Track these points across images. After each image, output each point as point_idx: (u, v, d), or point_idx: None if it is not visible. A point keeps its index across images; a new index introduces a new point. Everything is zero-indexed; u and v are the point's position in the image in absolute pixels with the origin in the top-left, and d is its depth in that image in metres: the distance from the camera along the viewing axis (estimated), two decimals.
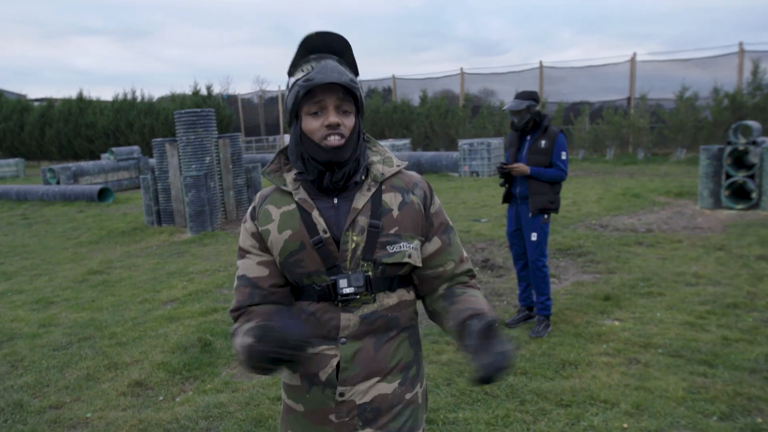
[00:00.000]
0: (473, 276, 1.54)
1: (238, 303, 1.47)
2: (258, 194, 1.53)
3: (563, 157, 4.28)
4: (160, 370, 3.91)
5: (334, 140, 1.34)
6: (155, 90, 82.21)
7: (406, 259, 1.39)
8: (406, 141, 19.38)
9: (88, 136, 27.02)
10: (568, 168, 4.36)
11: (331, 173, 1.37)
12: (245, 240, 1.49)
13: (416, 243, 1.42)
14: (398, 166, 1.48)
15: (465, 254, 1.54)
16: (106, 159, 17.67)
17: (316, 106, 1.34)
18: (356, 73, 1.42)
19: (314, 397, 1.41)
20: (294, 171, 1.45)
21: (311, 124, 1.35)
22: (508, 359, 1.22)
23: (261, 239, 1.45)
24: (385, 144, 18.85)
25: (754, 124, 9.07)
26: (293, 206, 1.42)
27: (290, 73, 1.40)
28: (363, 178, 1.44)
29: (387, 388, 1.41)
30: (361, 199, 1.39)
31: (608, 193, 11.03)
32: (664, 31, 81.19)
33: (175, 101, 27.88)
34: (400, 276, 1.43)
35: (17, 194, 14.32)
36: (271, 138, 28.22)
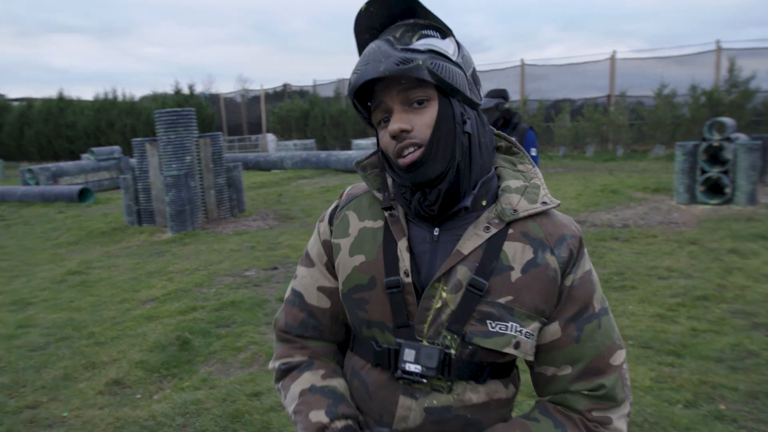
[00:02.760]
0: (605, 401, 0.97)
1: (287, 326, 1.15)
2: (346, 190, 1.15)
3: (533, 153, 4.35)
4: (138, 368, 3.93)
5: (407, 157, 0.95)
6: (136, 89, 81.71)
7: (508, 349, 0.96)
8: None
9: (68, 136, 26.72)
10: (539, 163, 4.44)
11: (422, 194, 0.97)
12: (314, 245, 1.14)
13: (533, 327, 0.97)
14: (544, 203, 0.99)
15: (610, 363, 0.98)
16: (86, 159, 17.51)
17: (382, 112, 0.97)
18: (443, 32, 0.96)
19: None
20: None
21: (383, 138, 0.99)
22: None
23: (330, 253, 1.10)
24: (367, 142, 18.93)
25: (728, 120, 9.25)
26: (380, 223, 1.04)
27: None
28: (484, 204, 1.00)
29: None
30: (471, 241, 0.97)
31: (587, 190, 11.18)
32: (644, 28, 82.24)
33: (157, 101, 27.69)
34: (497, 365, 1.00)
35: None
36: (253, 137, 28.12)
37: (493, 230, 0.98)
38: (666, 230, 7.47)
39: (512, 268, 0.96)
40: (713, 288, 4.99)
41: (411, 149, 0.94)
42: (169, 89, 29.54)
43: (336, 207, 1.13)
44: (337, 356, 1.16)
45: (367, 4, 0.95)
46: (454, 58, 0.94)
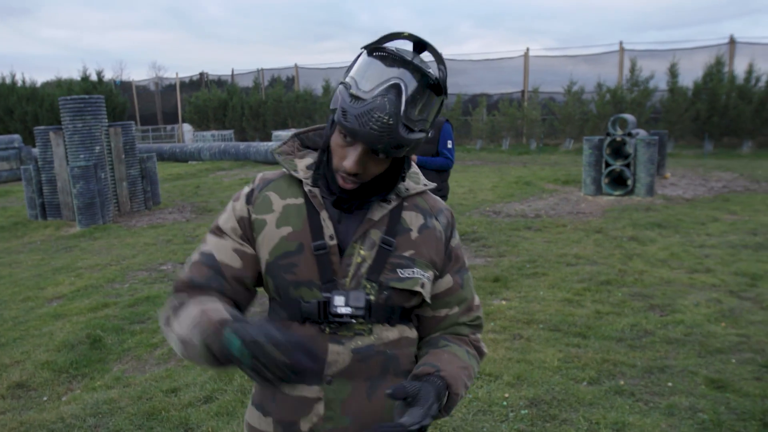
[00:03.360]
0: (478, 327, 1.32)
1: (190, 279, 1.21)
2: (259, 176, 1.28)
3: (449, 145, 4.45)
4: (44, 369, 3.73)
5: (347, 184, 1.14)
6: (38, 74, 76.10)
7: (417, 288, 1.17)
8: None
9: None
10: (454, 156, 4.54)
11: (340, 199, 1.19)
12: (227, 221, 1.23)
13: (430, 274, 1.21)
14: (425, 185, 1.28)
15: (477, 301, 1.32)
16: None
17: (349, 136, 1.09)
18: (440, 91, 1.10)
19: None
20: (309, 158, 1.25)
21: (336, 151, 1.13)
22: None
23: (249, 228, 1.21)
24: (287, 133, 18.69)
25: (629, 117, 9.89)
26: (300, 200, 1.20)
27: (367, 50, 1.11)
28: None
29: None
30: (378, 211, 1.19)
31: (502, 182, 11.61)
32: (556, 27, 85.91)
33: (62, 87, 25.98)
34: (403, 309, 1.21)
35: None
36: (168, 127, 27.07)
37: (394, 203, 1.21)
38: (574, 220, 7.90)
39: (411, 230, 1.21)
40: (615, 273, 5.34)
41: (350, 182, 1.14)
42: (76, 75, 27.91)
43: (252, 189, 1.25)
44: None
45: (407, 36, 1.10)
46: (429, 127, 1.13)
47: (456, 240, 1.29)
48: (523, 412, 3.01)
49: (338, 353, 1.14)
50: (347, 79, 1.09)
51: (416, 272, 1.18)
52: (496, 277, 5.33)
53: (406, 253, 1.18)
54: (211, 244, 1.24)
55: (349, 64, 1.14)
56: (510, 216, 8.33)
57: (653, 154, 9.35)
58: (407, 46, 1.13)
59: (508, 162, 16.21)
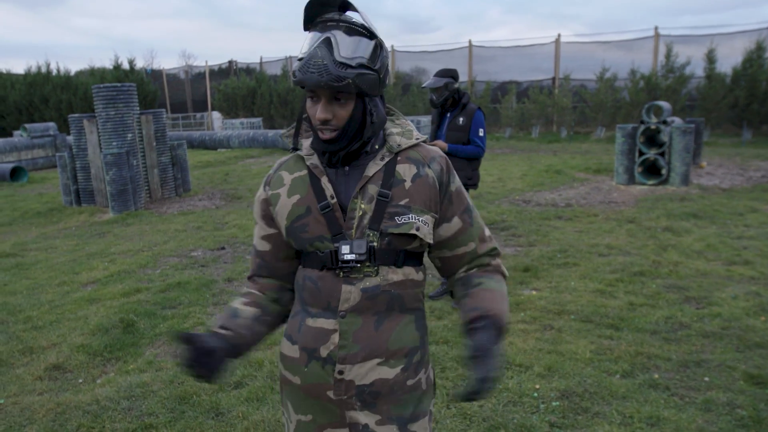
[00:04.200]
0: (497, 255, 1.49)
1: (252, 271, 1.53)
2: (277, 161, 1.52)
3: (480, 133, 4.39)
4: (79, 352, 3.81)
5: (326, 134, 1.30)
6: (72, 63, 77.06)
7: (413, 231, 1.33)
8: None
9: None
10: (485, 144, 4.47)
11: (329, 155, 1.36)
12: (256, 208, 1.50)
13: (427, 217, 1.36)
14: (417, 139, 1.42)
15: (488, 233, 1.48)
16: (18, 136, 16.62)
17: (310, 92, 1.30)
18: (371, 35, 1.29)
19: (313, 372, 1.37)
20: (312, 137, 1.42)
21: (309, 109, 1.32)
22: (490, 388, 1.24)
23: (268, 206, 1.44)
24: None
25: (664, 104, 9.62)
26: (305, 172, 1.40)
27: (305, 28, 1.33)
28: (377, 147, 1.40)
29: (389, 373, 1.35)
30: (372, 168, 1.36)
31: (532, 170, 11.44)
32: (587, 13, 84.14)
33: (95, 75, 26.43)
34: (408, 252, 1.37)
35: None
36: (198, 115, 27.33)
37: (387, 159, 1.37)
38: (606, 209, 7.75)
39: (404, 180, 1.36)
40: (649, 264, 5.22)
41: (328, 132, 1.30)
42: (108, 64, 28.36)
43: (269, 174, 1.49)
44: (278, 291, 1.51)
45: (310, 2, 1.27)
46: (374, 67, 1.28)
47: (455, 184, 1.43)
48: (554, 404, 2.97)
49: (350, 292, 1.33)
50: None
51: (411, 218, 1.33)
52: (527, 266, 5.26)
53: (402, 202, 1.34)
54: (254, 235, 1.51)
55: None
56: (540, 205, 8.21)
57: (689, 143, 9.09)
58: None
59: (537, 150, 15.98)
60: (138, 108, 9.33)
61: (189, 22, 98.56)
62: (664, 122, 9.24)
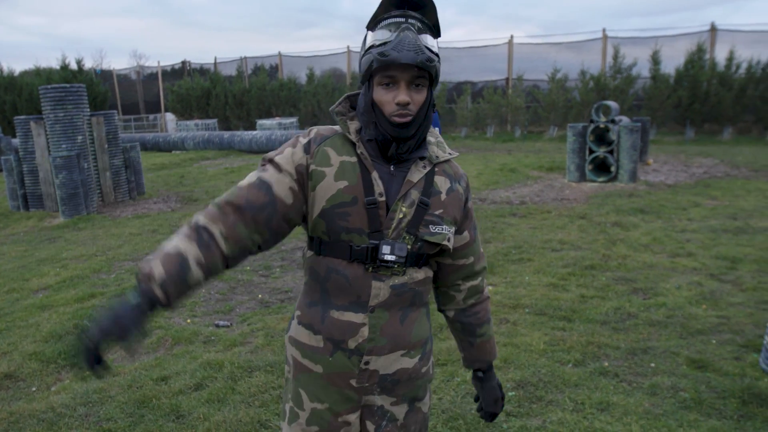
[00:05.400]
0: (484, 273, 1.61)
1: (247, 202, 1.34)
2: (314, 130, 1.44)
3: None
4: (32, 360, 3.71)
5: (403, 118, 1.31)
6: (16, 63, 74.38)
7: (445, 242, 1.41)
8: (294, 119, 19.19)
9: None
10: None
11: (397, 144, 1.36)
12: (286, 162, 1.38)
13: (453, 229, 1.45)
14: (450, 154, 1.48)
15: (482, 252, 1.60)
16: None
17: (389, 78, 1.30)
18: (437, 34, 1.35)
19: (338, 362, 1.41)
20: (357, 122, 1.41)
21: (382, 96, 1.32)
22: (503, 406, 1.67)
23: (306, 176, 1.38)
24: (271, 122, 18.61)
25: (612, 104, 9.97)
26: (355, 159, 1.38)
27: (370, 28, 1.33)
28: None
29: (409, 362, 1.45)
30: (416, 174, 1.39)
31: (487, 169, 11.67)
32: (539, 14, 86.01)
33: (41, 76, 25.51)
34: (429, 255, 1.46)
35: None
36: (151, 117, 26.75)
37: (428, 168, 1.42)
38: (559, 206, 7.98)
39: (441, 192, 1.43)
40: (599, 258, 5.43)
41: (405, 115, 1.31)
42: (55, 64, 27.42)
43: (309, 141, 1.40)
44: (239, 248, 1.36)
45: None
46: (438, 60, 1.32)
47: (470, 201, 1.53)
48: (510, 393, 3.07)
49: (380, 288, 1.38)
50: (368, 48, 1.31)
51: (444, 228, 1.41)
52: None
53: (437, 212, 1.40)
54: (271, 175, 1.37)
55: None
56: (495, 203, 8.39)
57: (636, 141, 9.45)
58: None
59: (493, 149, 16.28)
60: (88, 109, 9.09)
61: (139, 21, 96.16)
62: (613, 121, 9.57)
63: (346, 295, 1.39)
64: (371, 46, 1.30)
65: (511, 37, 21.19)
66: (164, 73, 28.23)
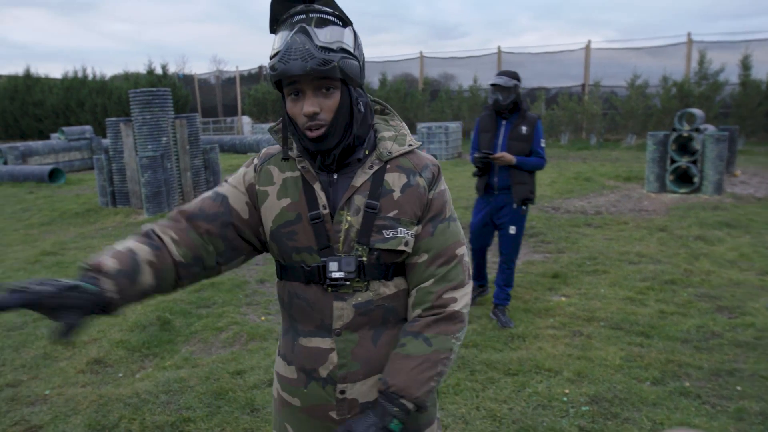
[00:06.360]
0: (451, 281, 1.30)
1: (200, 210, 1.30)
2: (263, 151, 1.38)
3: (543, 144, 4.09)
4: (118, 347, 3.94)
5: (315, 132, 1.20)
6: (106, 68, 79.19)
7: (401, 247, 1.26)
8: None
9: (36, 114, 26.03)
10: (545, 154, 4.16)
11: (323, 157, 1.25)
12: (239, 182, 1.34)
13: (414, 230, 1.29)
14: (410, 145, 1.33)
15: (459, 252, 1.32)
16: (56, 139, 17.13)
17: (293, 89, 1.19)
18: (344, 22, 1.20)
19: (313, 393, 1.31)
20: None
21: (292, 109, 1.22)
22: None
23: (255, 197, 1.32)
24: None
25: (697, 111, 9.50)
26: (297, 174, 1.30)
27: (273, 31, 1.23)
28: (366, 153, 1.30)
29: None
30: (360, 177, 1.27)
31: (561, 177, 11.38)
32: (618, 19, 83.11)
33: (129, 80, 27.12)
34: (398, 264, 1.30)
35: None
36: (228, 119, 27.79)
37: (376, 167, 1.28)
38: (637, 217, 7.68)
39: (393, 191, 1.27)
40: (680, 273, 5.18)
41: (317, 127, 1.19)
42: (141, 68, 28.99)
43: (256, 163, 1.35)
44: (193, 257, 1.29)
45: None
46: (354, 53, 1.20)
47: (437, 190, 1.32)
48: (584, 408, 2.99)
49: (342, 309, 1.26)
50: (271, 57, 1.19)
51: (400, 231, 1.26)
52: (556, 273, 5.26)
53: (391, 214, 1.26)
54: (227, 189, 1.34)
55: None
56: (569, 212, 8.17)
57: (722, 151, 8.96)
58: None
59: (567, 157, 15.86)
60: (173, 112, 9.56)
61: (219, 27, 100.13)
62: (697, 130, 9.12)
63: (310, 320, 1.29)
64: (272, 56, 1.18)
65: (589, 42, 20.61)
66: (242, 77, 29.28)
